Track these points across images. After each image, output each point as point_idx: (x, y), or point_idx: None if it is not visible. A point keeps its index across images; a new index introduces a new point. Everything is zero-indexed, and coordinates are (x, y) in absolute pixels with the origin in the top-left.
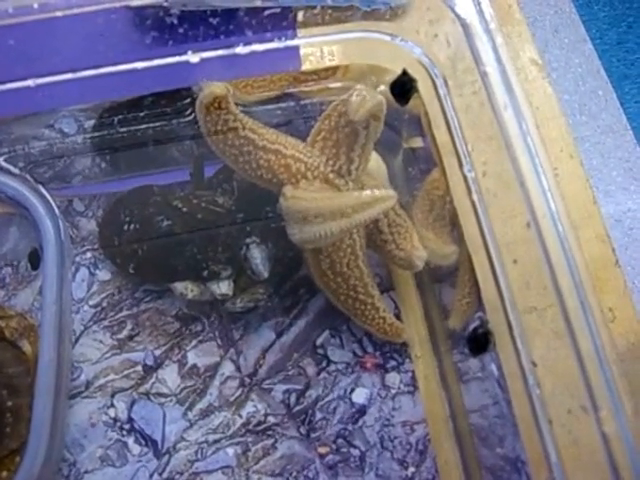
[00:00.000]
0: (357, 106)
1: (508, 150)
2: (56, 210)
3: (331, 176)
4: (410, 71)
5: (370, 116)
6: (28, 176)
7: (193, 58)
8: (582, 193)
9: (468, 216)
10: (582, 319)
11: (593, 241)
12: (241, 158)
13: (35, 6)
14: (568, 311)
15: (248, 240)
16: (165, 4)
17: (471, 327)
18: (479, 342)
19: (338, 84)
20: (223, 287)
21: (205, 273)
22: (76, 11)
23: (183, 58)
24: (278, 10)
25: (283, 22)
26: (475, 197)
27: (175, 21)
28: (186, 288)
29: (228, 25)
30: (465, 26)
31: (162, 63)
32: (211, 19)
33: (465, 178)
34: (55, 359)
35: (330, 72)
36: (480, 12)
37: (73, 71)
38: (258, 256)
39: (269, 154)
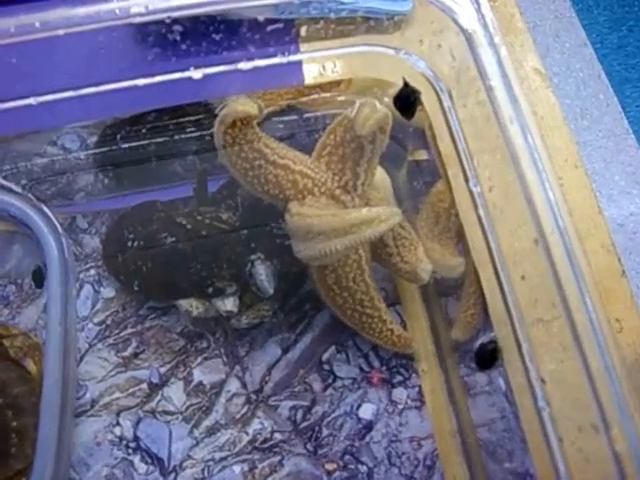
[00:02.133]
0: (363, 120)
1: (514, 164)
2: (59, 228)
3: (337, 192)
4: (414, 84)
5: (376, 130)
6: (30, 195)
7: (196, 74)
8: (587, 203)
9: (474, 230)
10: (590, 333)
11: (599, 251)
12: (251, 172)
13: (37, 25)
14: (576, 325)
15: (253, 257)
16: (167, 21)
17: (479, 342)
18: (487, 358)
19: (342, 97)
20: (228, 304)
21: (210, 290)
22: (77, 29)
23: (186, 74)
24: (281, 25)
25: (286, 37)
26: (481, 212)
27: (178, 37)
28: (191, 305)
29: (230, 41)
30: (468, 37)
31: (164, 79)
32: (214, 35)
33: (471, 193)
34: (60, 378)
35: (333, 85)
36: (484, 23)
37: (75, 89)
38: (263, 273)
39: (278, 169)
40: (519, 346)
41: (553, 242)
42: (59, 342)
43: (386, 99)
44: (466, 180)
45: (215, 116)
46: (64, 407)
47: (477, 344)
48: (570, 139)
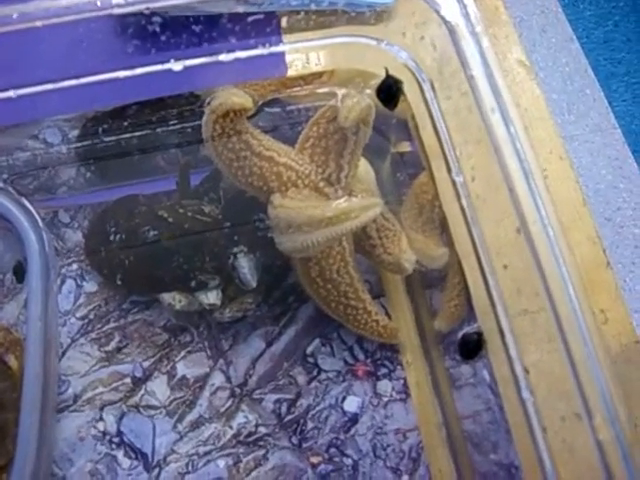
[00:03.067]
0: (347, 112)
1: (497, 154)
2: (40, 222)
3: (321, 184)
4: (396, 75)
5: (360, 121)
6: (11, 188)
7: (176, 66)
8: (572, 194)
9: (457, 221)
10: (574, 323)
11: (584, 243)
12: (235, 163)
13: (14, 16)
14: (560, 315)
15: (235, 249)
16: (146, 12)
17: (462, 332)
18: (471, 348)
19: (324, 89)
20: (211, 297)
21: (193, 283)
22: (56, 20)
23: (166, 66)
24: (261, 16)
25: (267, 28)
26: (464, 202)
27: (157, 29)
28: (174, 299)
29: (211, 32)
30: (451, 29)
31: (145, 72)
32: (194, 27)
33: (454, 183)
34: (41, 373)
35: (316, 77)
36: (466, 14)
37: (54, 81)
38: (246, 265)
39: (263, 161)
40: (503, 336)
41: (536, 232)
42: (39, 337)
43: (368, 90)
44: (449, 170)
45: (199, 108)
46: (45, 402)
47: (461, 334)
48: (555, 131)
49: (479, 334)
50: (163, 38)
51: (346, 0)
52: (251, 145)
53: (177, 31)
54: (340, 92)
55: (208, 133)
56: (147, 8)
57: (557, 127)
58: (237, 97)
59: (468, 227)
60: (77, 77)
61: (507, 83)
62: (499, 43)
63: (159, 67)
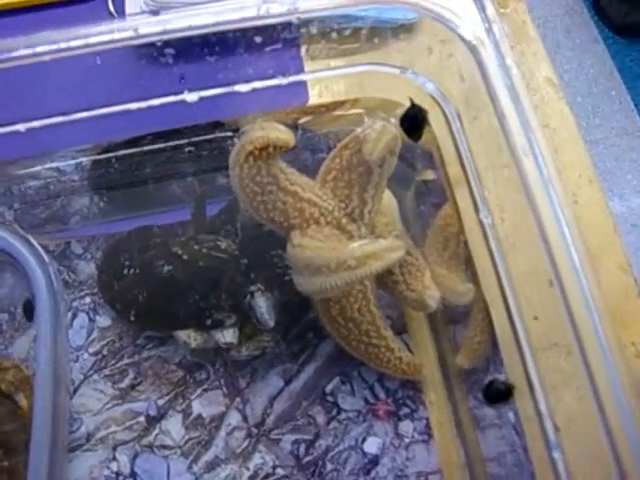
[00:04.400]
0: (372, 145)
1: (527, 196)
2: (45, 258)
3: (344, 221)
4: (420, 102)
5: (386, 154)
6: (16, 225)
7: (190, 97)
8: (602, 220)
9: (485, 265)
10: (610, 386)
11: (614, 271)
12: (259, 197)
13: (23, 52)
14: (594, 376)
15: (252, 288)
16: (159, 44)
17: (490, 379)
18: (498, 397)
19: (347, 116)
20: (228, 336)
21: (208, 322)
22: (64, 55)
23: (179, 97)
24: (279, 45)
25: (286, 57)
26: (493, 245)
27: (170, 60)
28: (189, 337)
29: (226, 63)
30: (475, 51)
31: (158, 103)
32: (208, 58)
33: (481, 224)
34: (51, 412)
35: (338, 105)
36: (491, 34)
37: (64, 114)
38: (263, 305)
39: (287, 196)
40: (532, 390)
41: (570, 285)
42: (49, 375)
43: (392, 120)
44: (476, 210)
45: (217, 135)
46: (55, 443)
47: (488, 380)
48: (584, 153)
49: (508, 386)
50: (176, 70)
51: (374, 17)
52: (278, 179)
53: (190, 62)
54: (365, 122)
55: (238, 163)
56: (159, 40)
57: (586, 149)
58: (280, 133)
59: (497, 272)
60: (88, 110)
61: (535, 102)
62: (526, 60)
63: (173, 98)
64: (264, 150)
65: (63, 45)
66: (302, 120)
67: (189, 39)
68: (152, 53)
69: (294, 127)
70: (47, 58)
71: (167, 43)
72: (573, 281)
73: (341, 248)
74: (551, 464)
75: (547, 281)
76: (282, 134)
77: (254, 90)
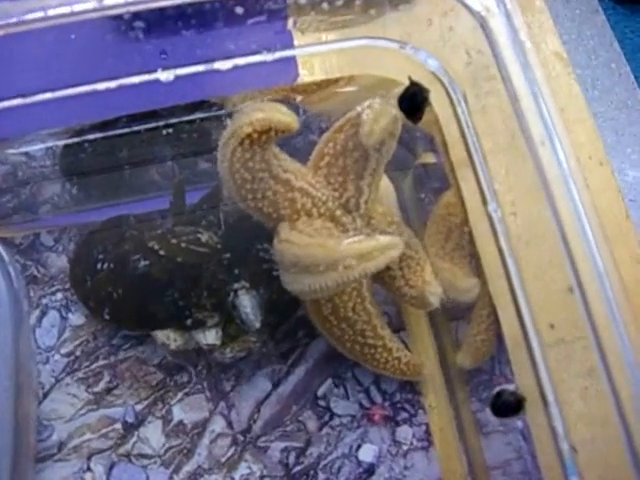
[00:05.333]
0: (370, 126)
1: (545, 189)
2: (5, 256)
3: (338, 213)
4: (420, 80)
5: (385, 137)
6: None
7: (165, 76)
8: (614, 206)
9: (494, 265)
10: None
11: (627, 262)
12: (249, 185)
13: None
14: (617, 388)
15: (236, 285)
16: (126, 17)
17: (499, 389)
18: (507, 410)
19: (342, 91)
20: (210, 337)
21: (189, 321)
22: (20, 29)
23: (153, 76)
24: (263, 18)
25: (270, 31)
26: (502, 243)
27: (140, 35)
28: (168, 337)
29: (204, 38)
30: (484, 23)
31: (128, 83)
32: (184, 32)
33: (490, 218)
34: (12, 419)
35: (332, 83)
36: (502, 4)
37: (26, 95)
38: (248, 304)
39: (278, 184)
40: (546, 405)
41: (593, 293)
42: (10, 380)
43: (391, 101)
44: (484, 202)
45: (197, 116)
46: (18, 452)
47: (495, 390)
48: (594, 132)
49: (518, 397)
50: (148, 46)
51: None
52: (271, 166)
53: (164, 37)
54: (364, 102)
55: (231, 146)
56: (127, 12)
57: (596, 129)
58: (283, 115)
59: (507, 272)
60: (53, 90)
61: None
62: (532, 32)
63: (146, 77)
64: (264, 134)
65: (17, 19)
66: (299, 99)
67: (161, 11)
68: (120, 27)
69: (295, 108)
70: (1, 32)
71: (136, 15)
72: (596, 289)
73: (331, 246)
74: (562, 473)
75: (566, 287)
76: (285, 116)
77: (236, 67)
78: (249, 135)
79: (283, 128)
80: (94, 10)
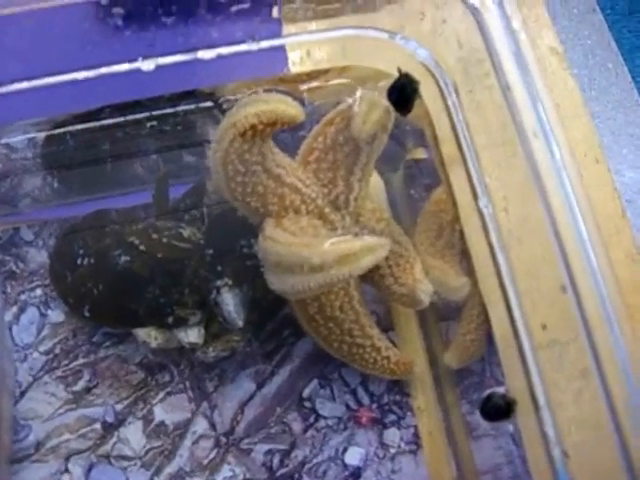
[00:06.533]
0: (363, 119)
1: (537, 187)
2: None
3: (327, 210)
4: (411, 72)
5: (378, 130)
6: None
7: (146, 65)
8: (610, 204)
9: (484, 262)
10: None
11: (622, 260)
12: (240, 178)
13: None
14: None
15: (219, 282)
16: (104, 3)
17: (489, 392)
18: (498, 414)
19: (332, 83)
20: (192, 335)
21: (170, 319)
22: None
23: (134, 66)
24: (247, 6)
25: (255, 19)
26: (493, 238)
27: (120, 22)
28: (149, 335)
29: (186, 26)
30: (477, 14)
31: (108, 72)
32: (164, 19)
33: (481, 213)
34: None
35: (322, 74)
36: None
37: (4, 84)
38: (231, 302)
39: (270, 179)
40: (537, 410)
41: (586, 292)
42: None
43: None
44: (475, 197)
45: (181, 107)
46: None
47: (485, 392)
48: (590, 129)
49: (508, 401)
50: (128, 33)
51: None
52: (266, 159)
53: (144, 25)
54: (355, 94)
55: (231, 136)
56: None
57: (592, 126)
58: (289, 107)
59: (498, 271)
60: (30, 79)
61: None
62: (528, 27)
63: (127, 67)
64: (269, 126)
65: None
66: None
67: None
68: (98, 14)
69: (300, 99)
70: None
71: (115, 2)
72: (590, 288)
73: (315, 246)
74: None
75: (559, 286)
76: (292, 108)
77: (220, 57)
78: (253, 126)
79: (289, 120)
80: None
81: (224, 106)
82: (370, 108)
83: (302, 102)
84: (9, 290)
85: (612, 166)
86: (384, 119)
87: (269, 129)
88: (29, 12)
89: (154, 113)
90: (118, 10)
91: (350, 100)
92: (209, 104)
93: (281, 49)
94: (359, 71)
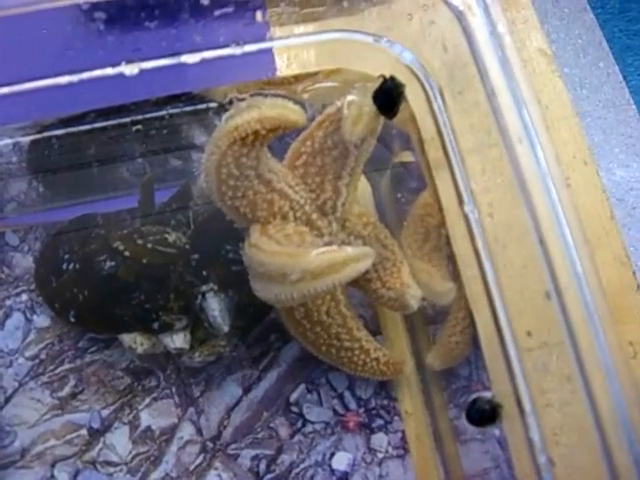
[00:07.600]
0: (352, 123)
1: (522, 193)
2: None
3: (314, 216)
4: (397, 76)
5: (367, 133)
6: None
7: (129, 69)
8: (598, 207)
9: (470, 265)
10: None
11: (610, 263)
12: (232, 181)
13: None
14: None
15: (204, 287)
16: (85, 7)
17: (475, 396)
18: (482, 419)
19: (320, 86)
20: (178, 340)
21: (156, 325)
22: None
23: (117, 70)
24: (231, 10)
25: (238, 23)
26: (479, 243)
27: (101, 26)
28: (135, 341)
29: (170, 30)
30: (462, 18)
31: (91, 76)
32: (147, 23)
33: (466, 218)
34: None
35: (310, 76)
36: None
37: None
38: (216, 307)
39: (261, 185)
40: (523, 415)
41: (571, 299)
42: None
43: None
44: (460, 202)
45: (167, 111)
46: None
47: (471, 397)
48: (579, 131)
49: (493, 405)
50: (110, 37)
51: None
52: (259, 164)
53: (127, 29)
54: (344, 97)
55: (229, 140)
56: (85, 2)
57: (581, 127)
58: (293, 113)
59: (483, 277)
60: (10, 84)
61: (526, 76)
62: (516, 29)
63: (110, 71)
64: (271, 132)
65: None
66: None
67: (122, 0)
68: (79, 18)
69: (300, 103)
70: None
71: (96, 5)
72: (575, 294)
73: (299, 256)
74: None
75: (544, 292)
76: (295, 114)
77: (204, 61)
78: (256, 132)
79: (291, 126)
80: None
81: (212, 110)
82: (360, 111)
83: (303, 105)
84: None
85: (603, 165)
86: (374, 122)
87: (271, 134)
88: (11, 17)
89: (140, 117)
90: (100, 15)
91: (339, 103)
92: (196, 108)
93: (269, 52)
94: (347, 74)
